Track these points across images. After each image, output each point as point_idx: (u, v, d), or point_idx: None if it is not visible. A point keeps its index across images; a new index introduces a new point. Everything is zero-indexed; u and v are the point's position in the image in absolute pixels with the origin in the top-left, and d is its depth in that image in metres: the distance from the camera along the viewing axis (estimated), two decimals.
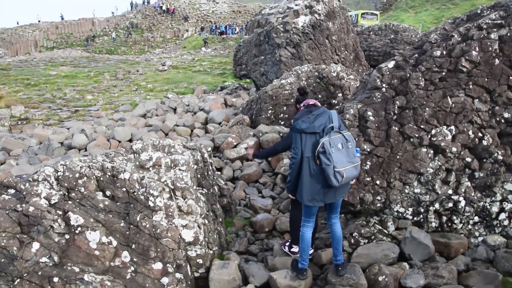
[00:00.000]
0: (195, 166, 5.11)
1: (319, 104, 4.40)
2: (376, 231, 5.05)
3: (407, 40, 17.00)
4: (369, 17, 34.50)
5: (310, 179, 3.99)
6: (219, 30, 50.82)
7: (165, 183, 4.56)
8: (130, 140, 10.97)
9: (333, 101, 10.85)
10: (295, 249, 5.15)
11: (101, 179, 4.42)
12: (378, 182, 5.40)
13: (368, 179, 5.46)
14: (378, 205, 5.47)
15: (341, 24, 16.08)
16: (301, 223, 4.45)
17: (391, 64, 5.93)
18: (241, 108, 12.31)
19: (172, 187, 4.57)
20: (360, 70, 16.33)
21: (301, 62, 15.11)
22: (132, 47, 50.41)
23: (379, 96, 5.68)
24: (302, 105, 4.45)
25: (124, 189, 4.38)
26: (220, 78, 23.98)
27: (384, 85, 5.72)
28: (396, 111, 5.49)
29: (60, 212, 4.15)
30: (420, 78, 5.39)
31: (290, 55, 15.40)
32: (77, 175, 4.32)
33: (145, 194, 4.34)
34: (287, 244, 5.31)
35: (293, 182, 4.16)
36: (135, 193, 4.34)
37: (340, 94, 10.82)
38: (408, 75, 5.51)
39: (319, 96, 10.90)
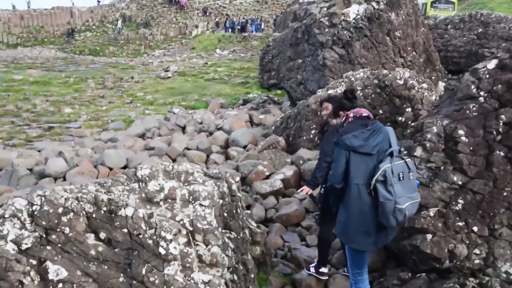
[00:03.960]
0: (221, 201, 5.02)
1: (372, 117, 4.45)
2: None
3: (503, 34, 16.64)
4: (442, 7, 34.57)
5: (359, 215, 4.07)
6: (239, 26, 51.68)
7: (181, 223, 4.47)
8: (125, 167, 11.01)
9: (400, 118, 10.67)
10: (324, 269, 5.80)
11: (94, 216, 4.36)
12: (475, 228, 5.22)
13: (460, 224, 5.27)
14: (477, 261, 5.25)
15: (407, 16, 16.06)
16: (350, 278, 4.63)
17: (491, 64, 5.82)
18: (273, 128, 12.30)
19: (191, 229, 4.48)
20: (433, 77, 16.15)
21: (353, 67, 15.07)
22: (124, 47, 51.75)
23: (475, 109, 5.55)
24: (352, 115, 4.42)
25: (126, 230, 4.30)
26: (242, 88, 24.15)
27: (482, 93, 5.60)
28: (501, 129, 5.34)
29: (35, 262, 4.07)
30: None
31: (338, 58, 15.40)
32: (60, 210, 4.26)
33: (155, 237, 4.25)
34: (313, 265, 5.88)
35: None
36: (141, 236, 4.26)
37: (409, 109, 10.64)
38: None
39: (380, 111, 10.75)
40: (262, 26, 54.09)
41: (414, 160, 5.63)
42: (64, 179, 10.35)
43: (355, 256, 4.41)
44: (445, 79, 16.32)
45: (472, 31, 17.63)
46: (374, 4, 15.46)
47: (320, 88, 15.43)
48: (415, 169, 4.19)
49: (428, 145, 5.59)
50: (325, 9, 15.93)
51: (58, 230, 4.20)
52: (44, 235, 4.18)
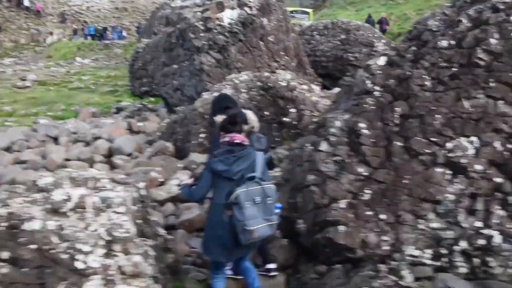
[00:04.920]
0: (134, 208, 4.71)
1: (246, 143, 4.79)
2: (393, 284, 5.00)
3: (363, 40, 18.12)
4: (299, 16, 36.43)
5: (218, 231, 4.51)
6: (99, 33, 49.80)
7: (96, 233, 4.09)
8: None
9: (285, 118, 10.97)
10: (271, 265, 5.76)
11: None
12: (383, 216, 5.43)
13: (369, 213, 5.48)
14: (386, 247, 5.46)
15: (278, 21, 16.63)
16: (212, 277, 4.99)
17: (381, 60, 6.18)
18: (159, 134, 11.99)
19: (109, 239, 4.13)
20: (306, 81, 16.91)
21: (230, 71, 15.22)
22: None
23: (372, 103, 5.84)
24: (227, 139, 4.73)
25: (34, 246, 3.85)
26: (112, 97, 23.29)
27: (376, 87, 5.89)
28: (397, 121, 5.65)
29: None
30: (425, 76, 5.65)
31: (215, 62, 15.48)
32: None
33: (70, 251, 3.85)
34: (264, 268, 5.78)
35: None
36: (53, 251, 3.83)
37: (293, 110, 10.98)
38: (408, 73, 5.74)
39: (266, 112, 10.94)
40: (124, 34, 52.66)
41: (320, 155, 5.79)
42: None
43: (216, 264, 4.88)
44: (315, 82, 17.16)
45: (336, 37, 18.84)
46: (247, 9, 15.79)
47: (197, 93, 15.41)
48: (275, 194, 4.61)
49: (332, 139, 5.77)
50: (199, 13, 15.92)
51: None
52: None
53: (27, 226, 3.88)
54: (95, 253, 3.94)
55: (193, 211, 7.45)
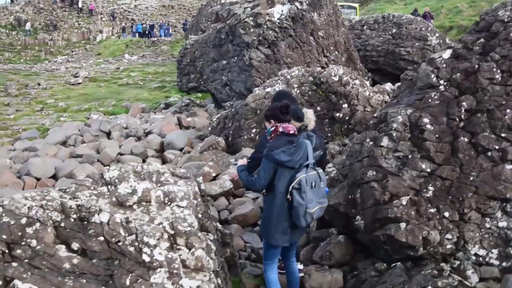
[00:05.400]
0: (195, 202, 4.70)
1: (296, 133, 4.92)
2: (458, 284, 4.83)
3: (416, 34, 17.61)
4: (345, 11, 35.94)
5: (279, 217, 4.67)
6: (147, 31, 50.65)
7: (161, 226, 4.10)
8: (54, 176, 10.28)
9: (337, 114, 10.84)
10: (299, 266, 5.69)
11: (62, 225, 3.93)
12: (446, 214, 5.30)
13: (432, 210, 5.34)
14: (449, 246, 5.34)
15: (328, 16, 16.46)
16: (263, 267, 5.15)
17: (446, 53, 5.97)
18: (209, 129, 12.06)
19: (172, 232, 4.13)
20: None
21: (279, 67, 15.17)
22: (22, 53, 48.62)
23: (436, 97, 5.66)
24: (281, 129, 4.81)
25: (102, 238, 3.90)
26: (160, 92, 23.65)
27: (442, 81, 5.71)
28: (463, 116, 5.48)
29: (0, 282, 3.56)
30: (495, 69, 5.43)
31: (264, 58, 15.44)
32: (23, 220, 3.81)
33: (136, 244, 3.88)
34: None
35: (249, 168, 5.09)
36: (120, 244, 3.87)
37: (345, 105, 10.84)
38: (476, 66, 5.54)
39: (318, 108, 10.83)
40: (170, 31, 53.36)
41: (381, 151, 5.66)
42: None
43: (270, 250, 4.96)
44: (366, 77, 16.89)
45: (387, 32, 18.43)
46: (297, 4, 15.69)
47: (247, 88, 15.42)
48: (325, 178, 4.92)
49: (394, 134, 5.62)
50: (249, 9, 15.91)
51: (23, 243, 3.73)
52: (6, 251, 3.68)
53: (95, 218, 3.93)
54: (160, 246, 3.95)
55: (247, 206, 7.44)
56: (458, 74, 5.63)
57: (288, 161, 4.60)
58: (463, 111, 5.48)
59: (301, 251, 6.37)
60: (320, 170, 4.82)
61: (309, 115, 5.47)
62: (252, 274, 5.83)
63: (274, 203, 4.70)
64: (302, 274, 5.64)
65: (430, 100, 5.66)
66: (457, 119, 5.49)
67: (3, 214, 3.77)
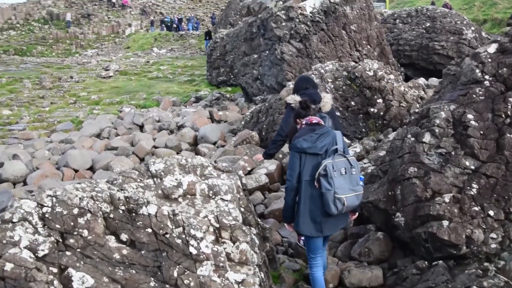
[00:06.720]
0: (238, 195, 4.72)
1: (323, 123, 5.02)
2: (504, 284, 4.74)
3: (450, 28, 17.25)
4: (375, 4, 35.55)
5: (309, 206, 4.66)
6: (175, 24, 50.90)
7: (206, 219, 4.14)
8: (91, 168, 10.46)
9: (371, 109, 10.72)
10: None
11: (111, 216, 4.00)
12: (491, 212, 5.21)
13: (476, 208, 5.24)
14: (493, 245, 5.23)
15: (361, 9, 16.29)
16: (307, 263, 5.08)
17: (491, 47, 5.85)
18: (243, 123, 12.05)
19: (217, 226, 4.16)
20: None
21: (311, 61, 15.10)
22: (53, 47, 49.57)
23: (481, 93, 5.56)
24: (304, 122, 4.94)
25: (150, 230, 3.95)
26: (190, 86, 23.77)
27: (487, 77, 5.60)
28: (509, 113, 5.37)
29: (55, 270, 3.67)
30: None
31: (296, 52, 15.36)
32: (75, 210, 3.88)
33: (183, 236, 3.93)
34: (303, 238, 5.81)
35: (288, 209, 4.87)
36: (168, 236, 3.91)
37: (380, 100, 10.71)
38: None
39: (352, 103, 10.75)
40: (199, 24, 53.57)
41: (423, 147, 5.59)
42: (25, 183, 9.70)
43: (310, 242, 4.90)
44: (398, 72, 16.66)
45: (420, 25, 18.12)
46: None
47: (278, 82, 15.38)
48: (358, 165, 4.76)
49: (437, 130, 5.54)
50: (281, 2, 15.86)
51: (76, 233, 3.81)
52: (60, 240, 3.77)
53: (143, 210, 3.98)
54: (206, 239, 3.98)
55: (283, 201, 7.40)
56: (505, 69, 5.52)
57: (310, 147, 4.61)
58: (509, 107, 5.37)
59: (338, 247, 6.36)
60: (352, 157, 4.74)
61: (326, 99, 5.86)
62: (291, 269, 5.82)
63: (301, 193, 4.70)
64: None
65: (474, 95, 5.56)
66: (503, 116, 5.37)
67: (56, 204, 3.85)
